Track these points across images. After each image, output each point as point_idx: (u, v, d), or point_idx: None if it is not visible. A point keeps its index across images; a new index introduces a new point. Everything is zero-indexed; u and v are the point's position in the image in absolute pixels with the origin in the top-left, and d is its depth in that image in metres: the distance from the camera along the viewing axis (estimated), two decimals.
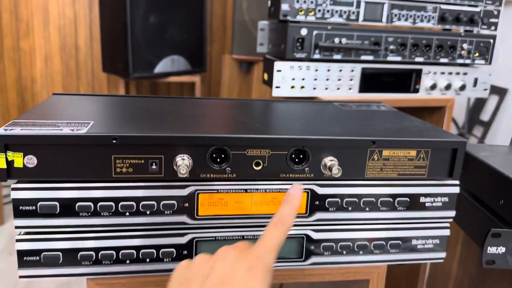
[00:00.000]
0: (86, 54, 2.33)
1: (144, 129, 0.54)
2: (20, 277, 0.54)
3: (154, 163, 0.53)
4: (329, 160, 0.56)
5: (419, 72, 1.18)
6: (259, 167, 0.55)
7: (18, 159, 0.50)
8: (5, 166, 0.50)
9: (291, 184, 0.57)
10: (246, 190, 0.56)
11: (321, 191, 0.58)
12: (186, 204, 0.55)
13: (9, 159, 0.50)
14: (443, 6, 1.15)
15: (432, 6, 1.15)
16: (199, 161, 0.53)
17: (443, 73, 1.19)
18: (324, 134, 0.57)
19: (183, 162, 0.51)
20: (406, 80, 1.18)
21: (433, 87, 1.18)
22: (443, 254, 0.64)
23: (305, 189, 0.58)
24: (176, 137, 0.52)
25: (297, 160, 0.57)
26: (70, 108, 0.65)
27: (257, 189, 0.56)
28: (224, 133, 0.54)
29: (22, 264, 0.54)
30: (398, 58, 1.15)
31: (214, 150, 0.54)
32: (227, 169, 0.55)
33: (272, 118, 0.70)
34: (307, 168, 0.57)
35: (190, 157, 0.53)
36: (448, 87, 1.19)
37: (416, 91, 1.19)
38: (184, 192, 0.55)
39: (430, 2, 1.14)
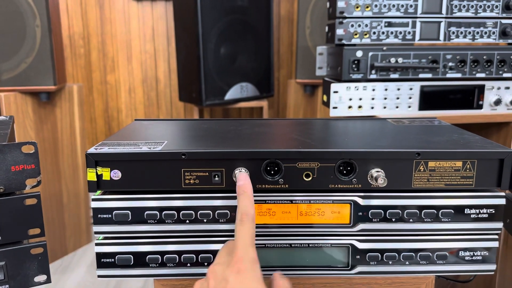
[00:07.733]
0: (165, 85, 2.52)
1: (208, 146, 0.63)
2: (98, 276, 0.63)
3: (216, 176, 0.61)
4: (375, 171, 0.60)
5: (481, 88, 1.17)
6: (309, 178, 0.61)
7: (106, 173, 0.60)
8: (95, 179, 0.60)
9: (339, 195, 0.62)
10: (292, 201, 0.62)
11: (363, 202, 0.62)
12: None
13: (99, 173, 0.60)
14: (504, 21, 1.15)
15: (492, 21, 1.15)
16: (255, 173, 0.60)
17: (507, 88, 1.17)
18: (370, 147, 0.61)
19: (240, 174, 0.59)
20: (468, 97, 1.18)
21: (498, 102, 1.17)
22: (492, 266, 0.64)
23: (347, 200, 0.62)
24: (234, 152, 0.60)
25: (345, 172, 0.62)
26: (148, 131, 0.75)
27: (302, 200, 0.62)
28: (277, 148, 0.61)
29: (100, 265, 0.63)
30: (458, 75, 1.16)
31: (268, 163, 0.61)
32: (280, 180, 0.61)
33: (323, 134, 0.75)
34: (354, 179, 0.61)
35: (247, 170, 0.60)
36: None
37: (480, 107, 1.18)
38: (236, 202, 0.61)
39: (490, 18, 1.15)
